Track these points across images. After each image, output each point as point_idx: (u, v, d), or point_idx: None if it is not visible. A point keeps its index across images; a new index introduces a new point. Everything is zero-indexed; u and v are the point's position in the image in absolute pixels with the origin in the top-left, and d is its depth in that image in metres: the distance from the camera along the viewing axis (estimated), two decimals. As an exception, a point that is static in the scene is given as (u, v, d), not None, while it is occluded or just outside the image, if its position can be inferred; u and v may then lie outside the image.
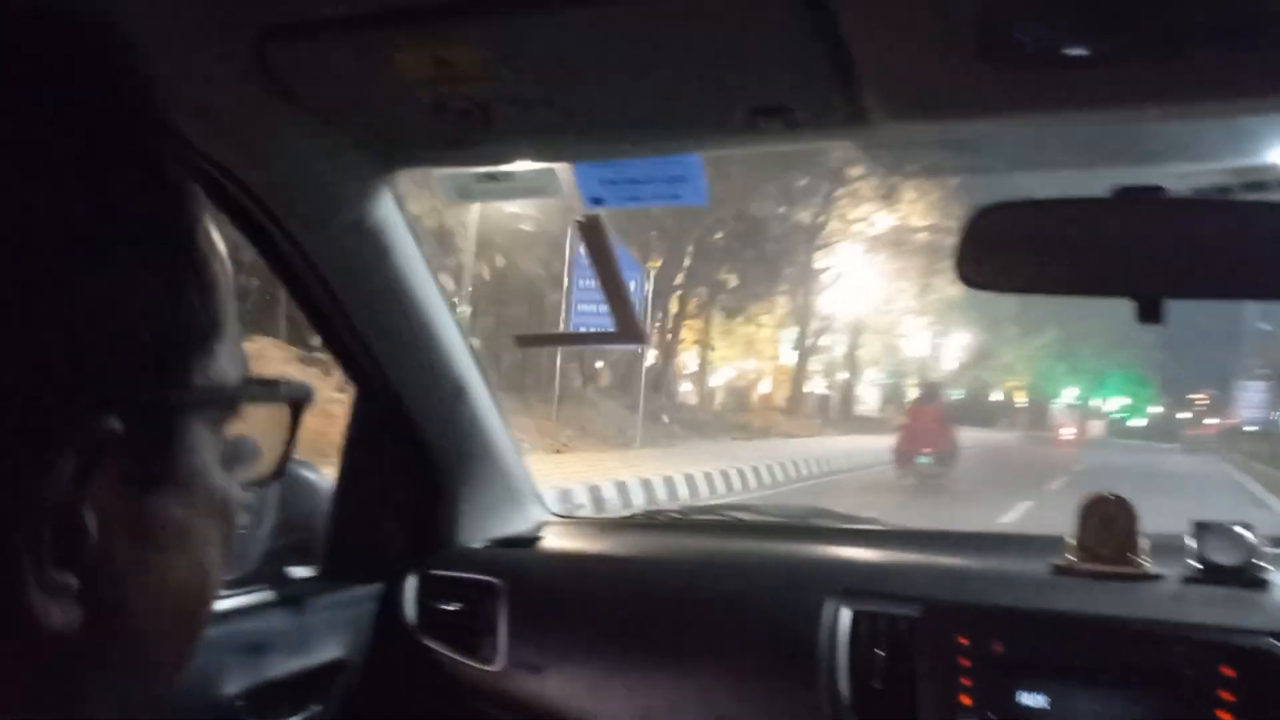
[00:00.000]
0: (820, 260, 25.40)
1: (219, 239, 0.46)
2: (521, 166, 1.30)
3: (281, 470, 0.52)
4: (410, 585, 1.61)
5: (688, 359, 25.28)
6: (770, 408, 28.49)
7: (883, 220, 24.08)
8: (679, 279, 21.01)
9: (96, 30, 0.41)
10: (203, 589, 0.46)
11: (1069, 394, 47.93)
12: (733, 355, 27.49)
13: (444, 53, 1.01)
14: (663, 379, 21.36)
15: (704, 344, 24.73)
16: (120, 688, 0.42)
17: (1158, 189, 1.04)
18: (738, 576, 1.50)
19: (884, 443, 17.49)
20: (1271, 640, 1.14)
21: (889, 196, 22.51)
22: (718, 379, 28.56)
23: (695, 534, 1.78)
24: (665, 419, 18.75)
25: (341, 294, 1.39)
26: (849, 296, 26.61)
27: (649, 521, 1.88)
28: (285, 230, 1.29)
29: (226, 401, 0.45)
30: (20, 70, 0.38)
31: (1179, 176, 1.07)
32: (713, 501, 10.38)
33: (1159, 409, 58.19)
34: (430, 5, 0.97)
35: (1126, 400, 52.96)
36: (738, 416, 24.46)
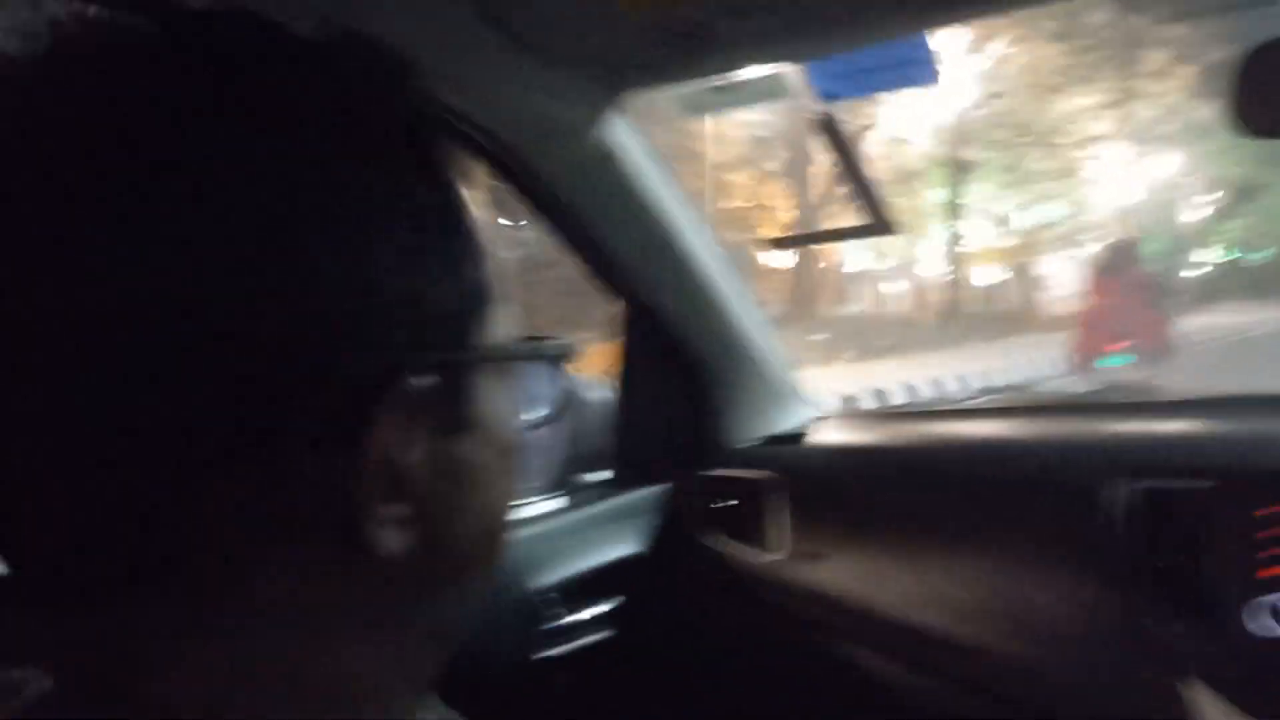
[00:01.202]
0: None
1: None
2: (751, 73, 1.31)
3: (558, 415, 0.61)
4: (690, 486, 1.70)
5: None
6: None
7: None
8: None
9: (357, 34, 0.47)
10: (500, 515, 0.55)
11: None
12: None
13: None
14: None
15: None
16: (443, 596, 0.51)
17: None
18: (1016, 458, 1.46)
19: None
20: None
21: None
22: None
23: (969, 419, 1.75)
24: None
25: (591, 220, 1.46)
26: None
27: (920, 410, 1.86)
28: (529, 168, 1.37)
29: (508, 357, 0.53)
30: (298, 72, 0.44)
31: None
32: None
33: None
34: None
35: None
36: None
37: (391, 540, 0.45)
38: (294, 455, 0.42)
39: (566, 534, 1.56)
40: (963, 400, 1.86)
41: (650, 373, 1.70)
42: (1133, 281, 10.33)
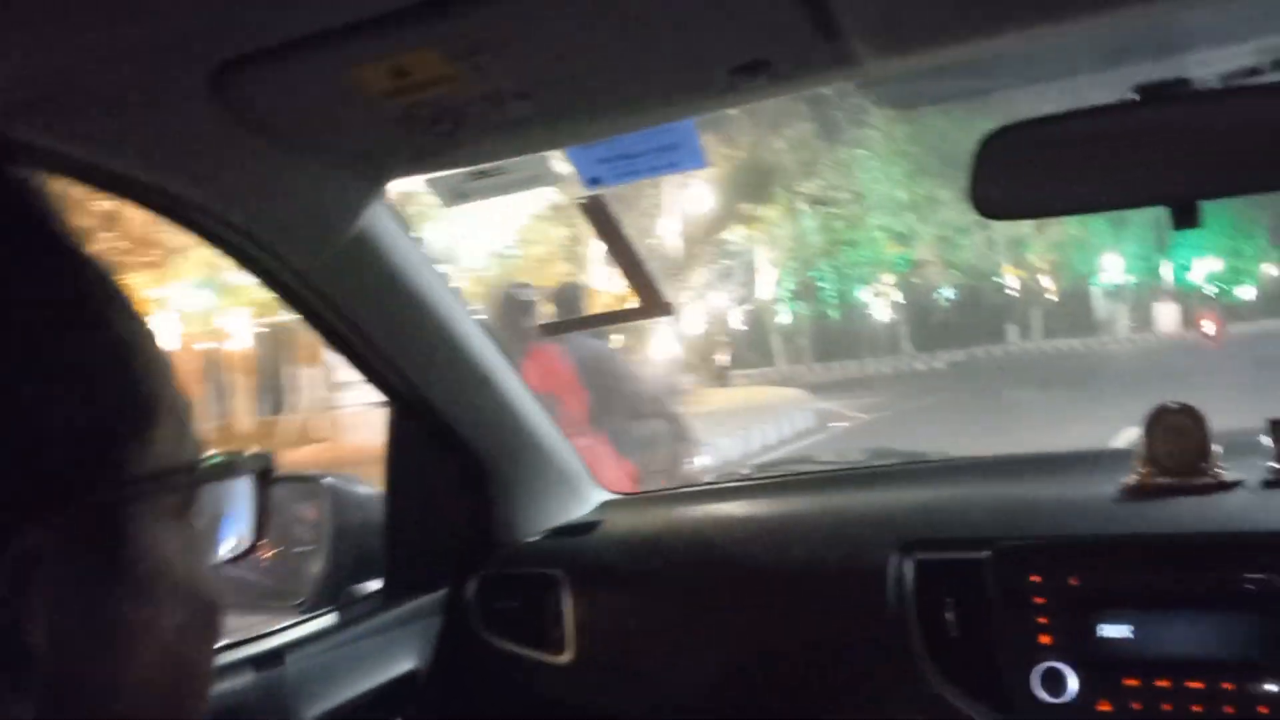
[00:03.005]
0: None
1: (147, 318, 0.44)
2: (514, 160, 1.26)
3: (259, 541, 0.51)
4: (471, 588, 1.60)
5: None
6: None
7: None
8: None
9: None
10: (186, 683, 0.44)
11: (1110, 265, 32.49)
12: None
13: (402, 61, 0.96)
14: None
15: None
16: None
17: (1182, 82, 0.96)
18: (804, 536, 1.47)
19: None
20: None
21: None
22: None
23: (758, 496, 1.75)
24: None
25: (354, 314, 1.37)
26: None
27: (711, 488, 1.85)
28: (284, 261, 1.26)
29: (176, 486, 0.43)
30: None
31: (1201, 64, 0.99)
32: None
33: (1275, 269, 38.11)
34: (383, 13, 0.92)
35: (1214, 263, 35.76)
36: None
37: None
38: None
39: (332, 656, 1.42)
40: (747, 476, 1.86)
41: (423, 471, 1.60)
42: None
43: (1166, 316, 33.19)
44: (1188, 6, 0.87)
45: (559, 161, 1.30)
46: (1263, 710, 1.07)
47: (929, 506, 1.45)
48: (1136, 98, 0.96)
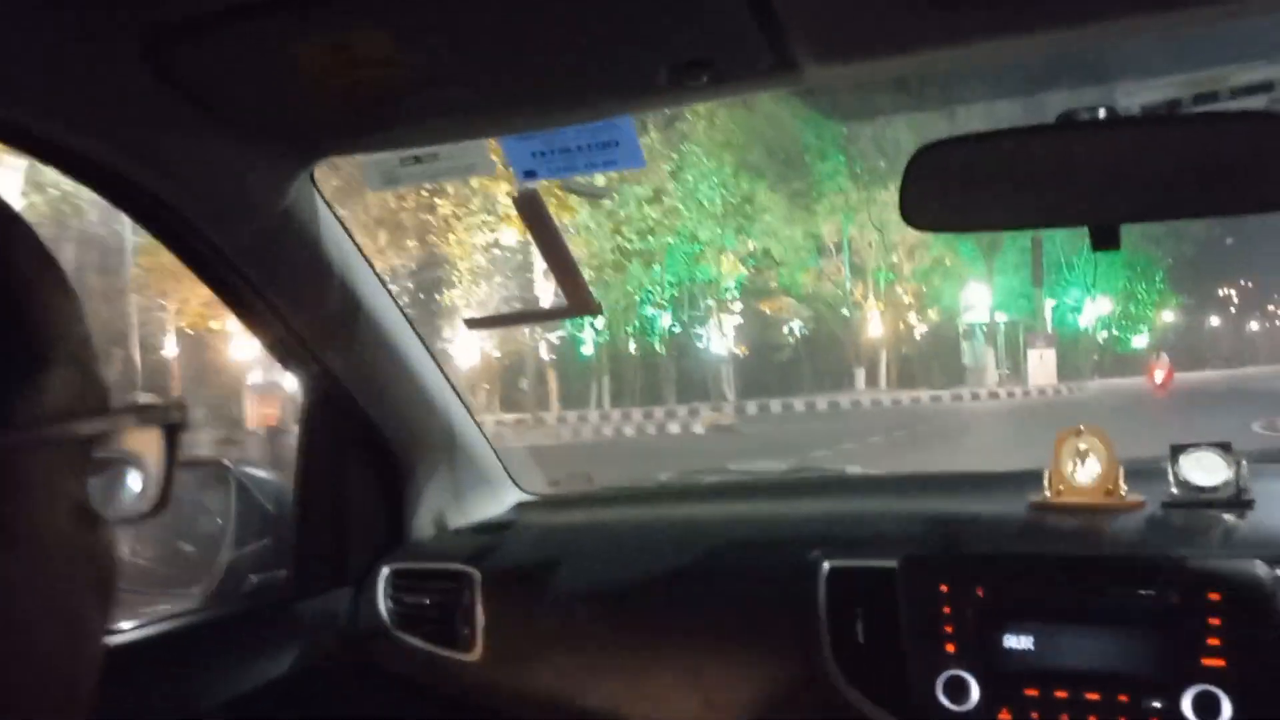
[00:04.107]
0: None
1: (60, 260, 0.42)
2: (447, 146, 1.25)
3: (164, 501, 0.48)
4: (380, 582, 1.57)
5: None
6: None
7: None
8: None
9: None
10: (78, 644, 0.41)
11: (978, 302, 27.55)
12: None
13: (344, 39, 0.95)
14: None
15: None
16: None
17: (1104, 110, 0.99)
18: (718, 542, 1.47)
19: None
20: (1256, 561, 1.11)
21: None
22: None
23: (675, 502, 1.75)
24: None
25: (274, 294, 1.33)
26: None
27: (629, 493, 1.85)
28: (205, 235, 1.23)
29: (70, 436, 0.41)
30: None
31: (1126, 94, 1.03)
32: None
33: (1171, 314, 35.55)
34: None
35: (1102, 305, 31.20)
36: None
37: None
38: None
39: (233, 646, 1.38)
40: (665, 483, 1.86)
41: (336, 461, 1.57)
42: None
43: (1041, 367, 27.41)
44: (1120, 37, 0.90)
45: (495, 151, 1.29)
46: None
47: (844, 517, 1.47)
48: (1063, 121, 0.99)
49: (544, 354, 24.13)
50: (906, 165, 1.04)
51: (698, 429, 18.16)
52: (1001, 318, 28.95)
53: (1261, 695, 1.07)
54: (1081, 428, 1.34)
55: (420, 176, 1.28)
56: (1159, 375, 24.99)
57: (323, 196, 1.34)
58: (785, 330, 28.63)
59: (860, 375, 27.21)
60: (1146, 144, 0.98)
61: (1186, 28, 0.88)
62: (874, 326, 27.14)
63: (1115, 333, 33.12)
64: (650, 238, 22.24)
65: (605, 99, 1.09)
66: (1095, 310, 31.20)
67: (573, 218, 19.13)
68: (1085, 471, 1.33)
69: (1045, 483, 1.34)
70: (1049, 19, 0.88)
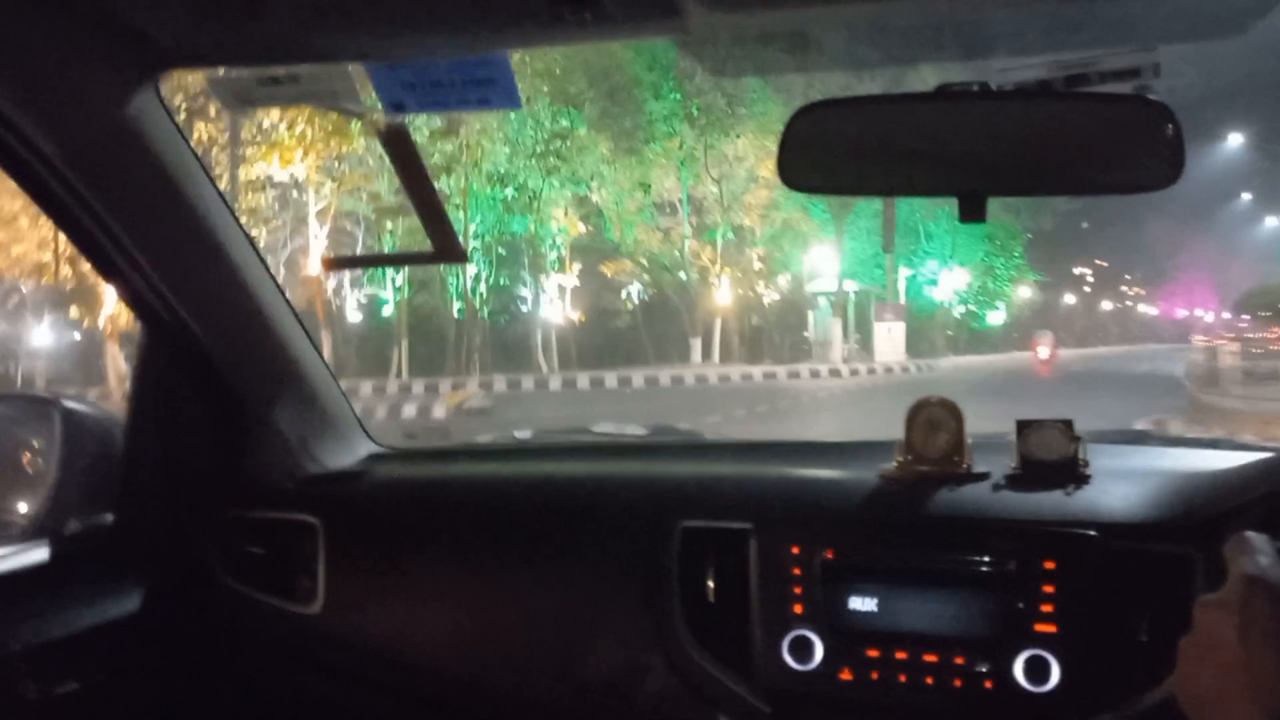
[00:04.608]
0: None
1: None
2: (310, 68, 1.17)
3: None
4: (215, 530, 1.49)
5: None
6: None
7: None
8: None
9: None
10: None
11: (826, 269, 25.74)
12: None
13: None
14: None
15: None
16: None
17: (979, 85, 1.00)
18: (572, 502, 1.45)
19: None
20: (1089, 532, 1.17)
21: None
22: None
23: (532, 460, 1.72)
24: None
25: (108, 214, 1.23)
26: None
27: (485, 450, 1.81)
28: (34, 146, 1.12)
29: None
30: None
31: (1001, 72, 1.04)
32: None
33: (1029, 290, 34.44)
34: None
35: (959, 277, 29.13)
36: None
37: None
38: None
39: (47, 590, 1.28)
40: (524, 441, 1.83)
41: (173, 400, 1.47)
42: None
43: (889, 341, 25.48)
44: (1000, 7, 0.91)
45: (362, 79, 1.22)
46: (988, 685, 1.14)
47: (701, 480, 1.47)
48: (941, 92, 1.00)
49: (354, 313, 21.87)
50: (786, 125, 1.03)
51: (438, 412, 14.73)
52: (853, 287, 26.33)
53: (1089, 660, 1.12)
54: (933, 399, 1.37)
55: (278, 99, 1.19)
56: (1043, 352, 24.32)
57: (171, 116, 1.24)
58: (624, 295, 25.52)
59: (697, 347, 24.49)
60: (1018, 120, 1.00)
61: (1063, 5, 0.89)
62: (715, 294, 24.43)
63: (972, 308, 31.00)
64: (446, 178, 18.46)
65: (480, 30, 1.04)
66: (953, 283, 29.22)
67: (350, 146, 16.36)
68: (935, 443, 1.36)
69: (897, 452, 1.37)
70: None
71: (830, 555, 1.21)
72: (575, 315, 24.47)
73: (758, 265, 25.92)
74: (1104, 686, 1.12)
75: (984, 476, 1.32)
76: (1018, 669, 1.13)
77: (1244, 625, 0.71)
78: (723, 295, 24.63)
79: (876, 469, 1.37)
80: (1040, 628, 1.14)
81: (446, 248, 1.43)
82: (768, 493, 1.37)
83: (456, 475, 1.61)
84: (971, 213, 0.98)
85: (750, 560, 1.25)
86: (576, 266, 23.61)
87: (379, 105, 1.23)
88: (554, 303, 23.54)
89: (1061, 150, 0.98)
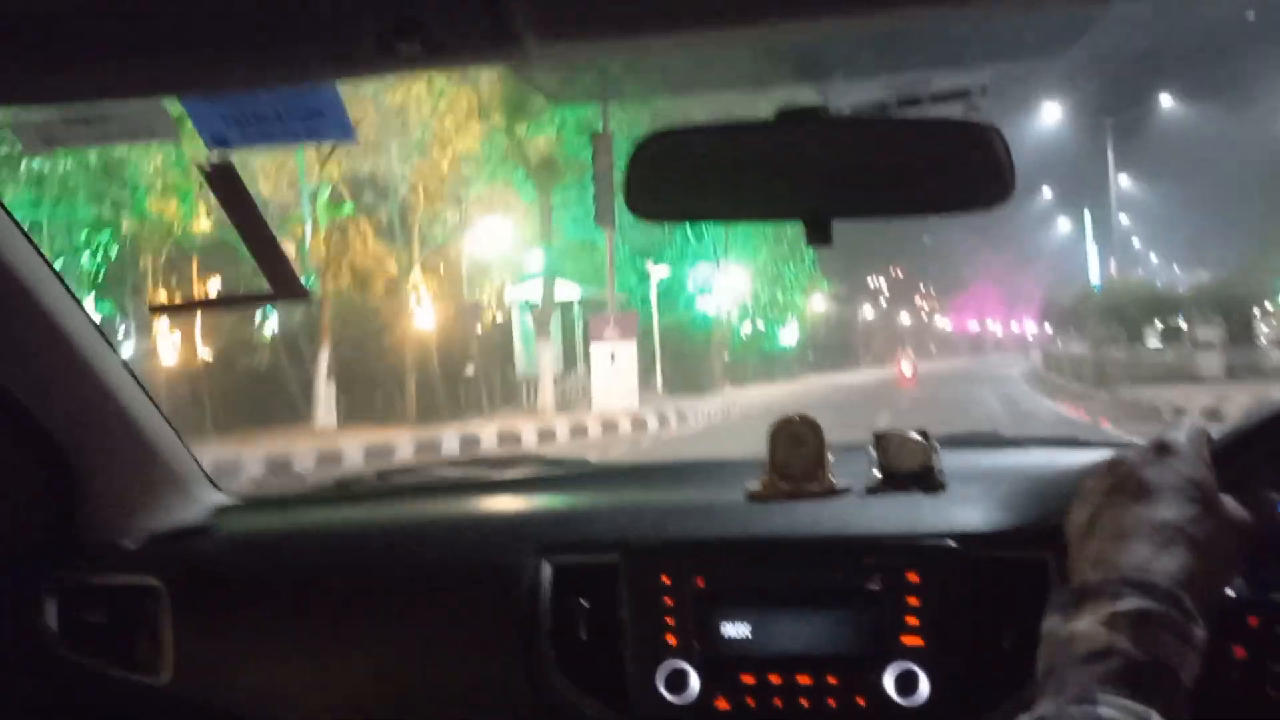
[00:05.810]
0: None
1: None
2: (119, 105, 1.09)
3: None
4: (48, 599, 1.38)
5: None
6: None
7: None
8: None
9: None
10: None
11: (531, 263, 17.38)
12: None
13: None
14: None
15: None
16: None
17: (819, 110, 1.00)
18: (434, 541, 1.40)
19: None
20: (948, 541, 1.18)
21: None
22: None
23: (391, 501, 1.65)
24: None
25: None
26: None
27: (341, 493, 1.73)
28: None
29: None
30: None
31: (839, 94, 1.05)
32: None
33: (824, 302, 29.48)
34: None
35: (738, 281, 22.96)
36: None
37: None
38: None
39: None
40: (376, 484, 1.75)
41: None
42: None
43: (614, 376, 17.24)
44: (834, 36, 0.91)
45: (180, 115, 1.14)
46: (860, 701, 1.14)
47: (563, 512, 1.44)
48: (781, 118, 0.99)
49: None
50: (631, 152, 1.02)
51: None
52: (572, 293, 18.21)
53: (956, 671, 1.14)
54: (794, 416, 1.38)
55: (86, 138, 1.11)
56: (907, 368, 23.45)
57: None
58: (257, 322, 17.09)
59: (322, 402, 16.10)
60: (857, 143, 1.01)
61: (897, 28, 0.90)
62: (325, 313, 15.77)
63: (760, 326, 24.68)
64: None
65: (301, 61, 0.98)
66: (731, 289, 22.16)
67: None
68: (797, 459, 1.37)
69: (761, 470, 1.37)
70: (770, 8, 0.87)
71: (701, 583, 1.20)
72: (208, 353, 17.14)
73: (443, 269, 18.19)
74: (971, 697, 1.13)
75: (845, 491, 1.33)
76: (888, 684, 1.14)
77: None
78: (403, 313, 17.14)
79: (742, 488, 1.37)
80: (907, 641, 1.15)
81: (285, 284, 1.36)
82: (635, 522, 1.34)
83: (308, 525, 1.54)
84: (817, 237, 0.99)
85: (621, 594, 1.22)
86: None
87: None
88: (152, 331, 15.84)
89: (898, 173, 1.00)
